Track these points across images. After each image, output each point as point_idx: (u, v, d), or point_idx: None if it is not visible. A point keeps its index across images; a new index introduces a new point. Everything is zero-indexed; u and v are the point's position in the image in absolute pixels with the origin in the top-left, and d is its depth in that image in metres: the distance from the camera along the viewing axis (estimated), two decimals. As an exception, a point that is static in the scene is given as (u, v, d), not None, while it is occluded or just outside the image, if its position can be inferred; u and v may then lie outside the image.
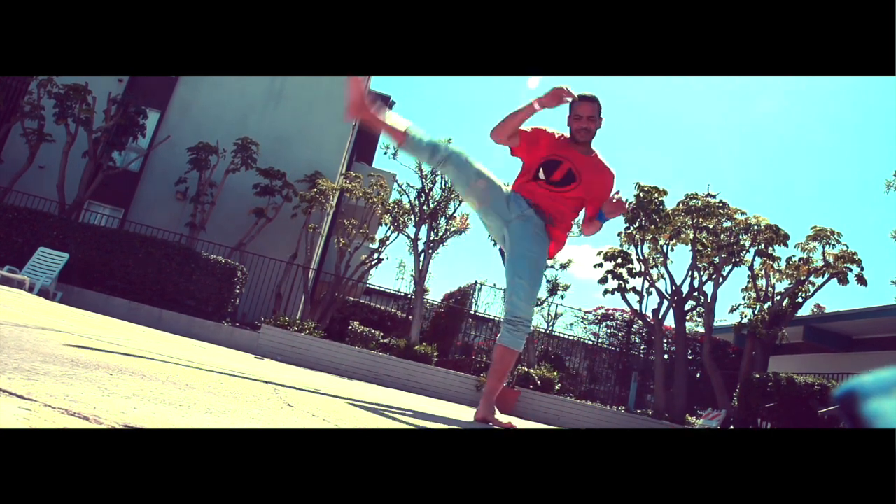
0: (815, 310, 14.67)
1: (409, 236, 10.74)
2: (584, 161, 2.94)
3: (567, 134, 3.00)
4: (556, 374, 9.19)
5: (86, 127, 11.04)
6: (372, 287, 16.31)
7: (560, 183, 2.90)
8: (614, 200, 2.98)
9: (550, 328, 12.70)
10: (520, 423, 3.99)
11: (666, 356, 11.13)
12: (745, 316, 9.88)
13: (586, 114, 2.91)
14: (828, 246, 9.18)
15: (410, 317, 10.72)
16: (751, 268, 9.83)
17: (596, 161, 3.00)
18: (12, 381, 0.94)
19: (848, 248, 9.06)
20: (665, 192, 10.06)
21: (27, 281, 6.68)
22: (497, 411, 2.81)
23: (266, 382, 2.30)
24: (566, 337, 13.60)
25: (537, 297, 3.08)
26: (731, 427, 8.72)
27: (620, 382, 13.29)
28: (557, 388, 9.16)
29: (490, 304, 21.20)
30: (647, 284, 10.31)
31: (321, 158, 13.63)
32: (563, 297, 11.20)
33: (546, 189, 2.89)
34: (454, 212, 10.72)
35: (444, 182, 10.76)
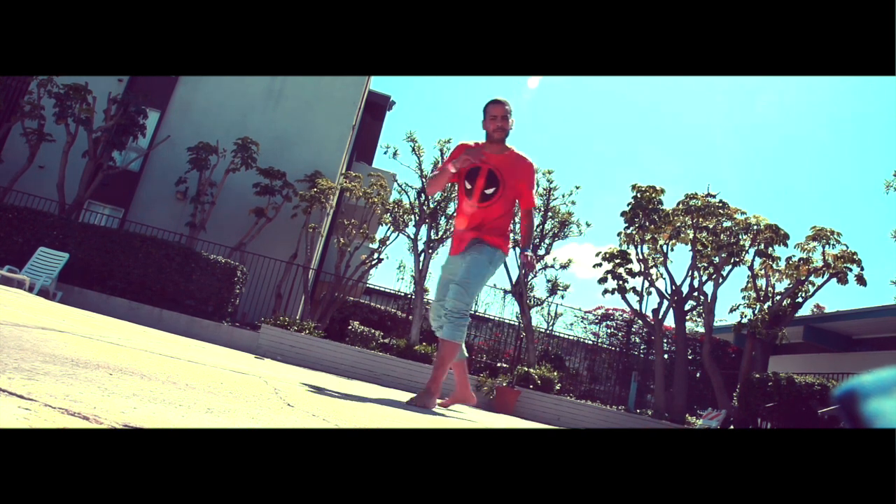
0: (814, 310, 14.68)
1: (409, 236, 10.74)
2: (500, 160, 3.34)
3: (482, 140, 3.41)
4: (556, 373, 9.19)
5: (86, 127, 11.03)
6: (372, 287, 16.30)
7: (486, 190, 3.32)
8: (528, 259, 3.41)
9: (550, 328, 12.70)
10: (520, 424, 3.99)
11: (666, 356, 11.13)
12: (745, 316, 9.87)
13: (500, 114, 3.34)
14: (828, 246, 9.17)
15: (410, 317, 10.73)
16: (751, 268, 9.83)
17: (512, 156, 3.38)
18: (12, 380, 0.94)
19: (848, 248, 9.06)
20: (662, 191, 10.06)
21: (27, 281, 6.67)
22: (435, 400, 3.25)
23: (266, 382, 2.30)
24: (566, 337, 13.61)
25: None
26: (731, 427, 8.72)
27: (620, 382, 13.29)
28: (557, 388, 9.16)
29: (490, 305, 21.20)
30: (646, 284, 10.32)
31: (321, 158, 13.62)
32: (563, 296, 11.21)
33: (477, 208, 3.34)
34: (454, 212, 10.73)
35: (444, 182, 10.75)
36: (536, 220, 11.03)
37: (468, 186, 3.32)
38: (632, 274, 10.32)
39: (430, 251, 10.49)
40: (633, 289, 10.33)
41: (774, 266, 9.72)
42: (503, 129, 3.30)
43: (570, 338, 13.68)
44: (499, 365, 10.35)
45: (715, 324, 10.45)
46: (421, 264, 10.50)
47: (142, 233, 10.19)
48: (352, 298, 12.51)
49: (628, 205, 10.19)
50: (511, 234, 3.66)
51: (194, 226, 11.79)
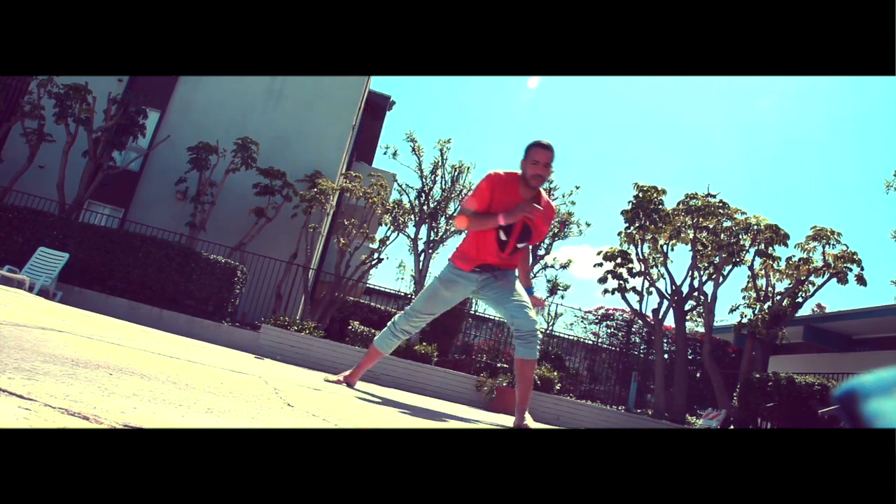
0: (815, 310, 14.70)
1: (409, 236, 10.75)
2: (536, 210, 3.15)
3: (516, 172, 3.16)
4: (556, 373, 9.19)
5: (86, 127, 11.03)
6: (372, 287, 16.32)
7: (518, 245, 3.19)
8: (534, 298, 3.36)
9: (550, 328, 12.70)
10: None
11: (666, 356, 11.13)
12: (745, 316, 9.87)
13: (543, 161, 3.03)
14: (828, 246, 9.17)
15: (410, 317, 10.71)
16: (751, 268, 9.83)
17: (545, 204, 3.21)
18: (12, 380, 0.94)
19: (848, 248, 9.06)
20: (664, 192, 10.06)
21: (27, 281, 6.68)
22: (529, 418, 3.24)
23: (266, 382, 2.30)
24: (566, 337, 13.61)
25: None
26: (731, 427, 8.72)
27: (620, 382, 13.29)
28: (557, 387, 9.16)
29: (490, 304, 21.21)
30: (647, 284, 10.31)
31: (321, 158, 13.62)
32: (563, 296, 11.23)
33: (504, 258, 3.17)
34: (454, 212, 10.72)
35: (444, 182, 10.76)
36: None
37: (503, 238, 3.13)
38: (632, 274, 10.32)
39: (430, 251, 10.49)
40: (634, 288, 10.33)
41: (774, 266, 9.72)
42: (542, 178, 3.07)
43: (570, 338, 13.69)
44: (499, 365, 10.33)
45: (715, 324, 10.45)
46: (421, 264, 10.50)
47: (142, 233, 10.18)
48: (352, 298, 12.50)
49: (629, 203, 10.19)
50: None
51: (194, 226, 11.79)
